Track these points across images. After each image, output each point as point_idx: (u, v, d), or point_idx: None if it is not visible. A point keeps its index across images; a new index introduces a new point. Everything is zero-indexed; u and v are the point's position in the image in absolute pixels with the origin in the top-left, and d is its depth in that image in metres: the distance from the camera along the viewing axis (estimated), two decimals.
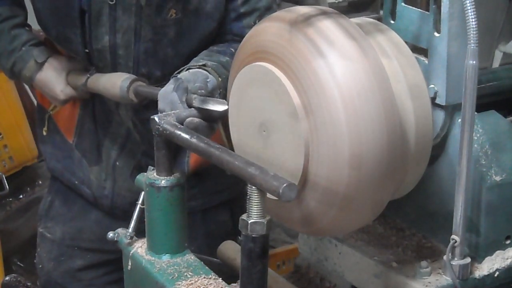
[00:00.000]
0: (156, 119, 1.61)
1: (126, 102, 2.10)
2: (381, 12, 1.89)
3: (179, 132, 1.58)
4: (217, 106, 1.71)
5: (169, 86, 1.81)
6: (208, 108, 1.72)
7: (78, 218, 2.41)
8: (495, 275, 1.71)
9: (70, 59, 2.21)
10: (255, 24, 2.13)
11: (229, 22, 2.15)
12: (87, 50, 2.11)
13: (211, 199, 2.35)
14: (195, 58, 2.07)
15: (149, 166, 1.68)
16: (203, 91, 1.83)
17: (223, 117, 1.73)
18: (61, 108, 2.31)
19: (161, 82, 2.04)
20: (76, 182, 2.37)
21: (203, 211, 2.35)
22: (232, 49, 2.12)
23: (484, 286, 1.71)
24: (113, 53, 2.09)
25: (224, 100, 1.73)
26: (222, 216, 2.39)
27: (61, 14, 2.10)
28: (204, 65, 1.97)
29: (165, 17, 2.05)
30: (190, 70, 1.93)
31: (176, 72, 1.97)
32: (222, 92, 1.94)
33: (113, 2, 2.03)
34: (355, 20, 1.62)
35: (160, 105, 1.83)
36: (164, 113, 1.68)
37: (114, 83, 2.06)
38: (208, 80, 1.89)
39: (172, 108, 1.76)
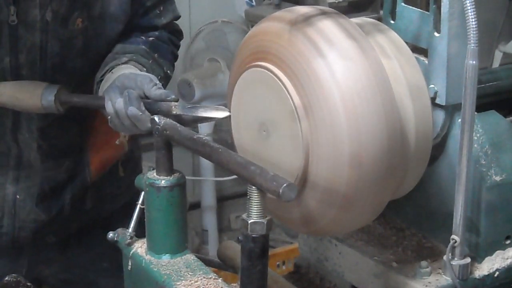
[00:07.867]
0: (156, 119, 1.61)
1: (47, 112, 1.92)
2: (381, 12, 1.89)
3: (179, 132, 1.58)
4: (215, 113, 1.67)
5: (119, 103, 1.73)
6: (203, 116, 1.68)
7: None
8: (495, 275, 1.71)
9: None
10: (159, 14, 2.10)
11: (137, 18, 2.06)
12: None
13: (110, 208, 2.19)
14: (109, 56, 1.97)
15: (149, 166, 1.67)
16: (177, 97, 1.71)
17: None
18: None
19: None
20: None
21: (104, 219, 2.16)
22: (143, 37, 2.05)
23: (484, 286, 1.71)
24: (15, 74, 1.93)
25: (223, 107, 1.67)
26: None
27: None
28: (126, 62, 1.90)
29: (72, 28, 1.93)
30: (122, 73, 1.83)
31: (101, 76, 1.89)
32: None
33: (15, 23, 1.88)
34: (355, 20, 1.62)
35: (116, 121, 1.77)
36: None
37: (32, 92, 1.89)
38: (153, 79, 1.79)
39: (135, 121, 1.72)
